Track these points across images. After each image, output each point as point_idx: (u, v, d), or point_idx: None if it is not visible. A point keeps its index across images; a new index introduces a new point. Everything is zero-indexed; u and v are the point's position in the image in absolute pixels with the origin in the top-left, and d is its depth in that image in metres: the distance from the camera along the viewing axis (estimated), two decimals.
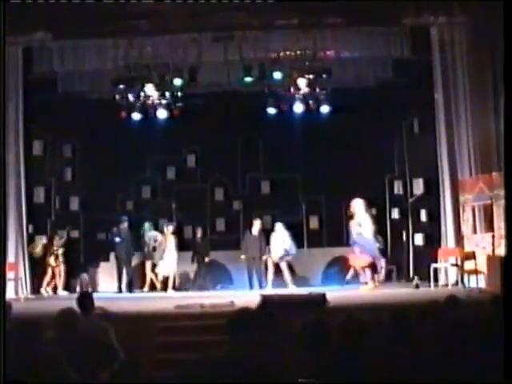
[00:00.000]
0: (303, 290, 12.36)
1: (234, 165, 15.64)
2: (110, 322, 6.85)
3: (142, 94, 14.78)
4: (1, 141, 9.73)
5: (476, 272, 12.80)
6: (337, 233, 14.94)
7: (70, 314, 6.13)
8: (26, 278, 14.51)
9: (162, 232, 14.85)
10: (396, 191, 15.37)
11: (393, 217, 15.30)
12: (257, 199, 15.56)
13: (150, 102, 14.93)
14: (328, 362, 4.38)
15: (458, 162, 14.05)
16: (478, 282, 12.72)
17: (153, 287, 14.82)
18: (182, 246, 14.96)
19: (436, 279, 13.42)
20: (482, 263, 12.64)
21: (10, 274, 13.45)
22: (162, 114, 14.92)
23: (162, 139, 15.22)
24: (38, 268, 14.85)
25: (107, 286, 15.17)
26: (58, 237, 14.95)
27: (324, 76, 14.32)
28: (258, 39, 14.30)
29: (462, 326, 4.96)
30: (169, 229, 14.66)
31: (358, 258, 13.55)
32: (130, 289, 14.94)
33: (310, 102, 14.75)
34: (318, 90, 14.63)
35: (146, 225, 15.11)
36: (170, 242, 14.57)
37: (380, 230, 14.27)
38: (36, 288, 14.72)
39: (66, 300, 9.98)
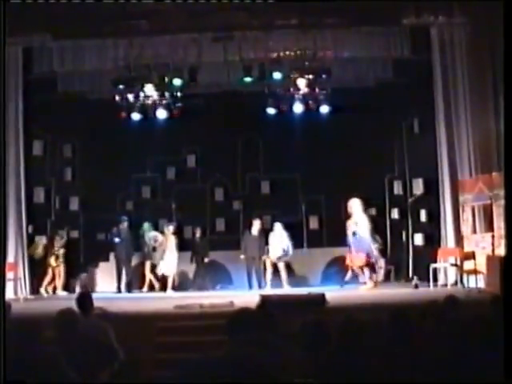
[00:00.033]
0: (303, 290, 12.36)
1: (233, 165, 15.64)
2: (110, 322, 6.83)
3: (142, 94, 14.78)
4: (1, 141, 9.74)
5: (475, 272, 12.80)
6: (336, 233, 14.86)
7: (69, 314, 6.13)
8: (25, 279, 14.51)
9: (162, 232, 14.86)
10: (396, 191, 15.36)
11: (392, 217, 15.29)
12: (257, 199, 15.55)
13: (149, 102, 14.93)
14: (327, 362, 4.38)
15: (458, 162, 14.05)
16: (477, 282, 12.72)
17: (152, 287, 14.83)
18: (181, 246, 14.94)
19: (435, 279, 13.41)
20: (481, 263, 12.64)
21: (9, 275, 13.46)
22: (161, 114, 14.91)
23: (161, 139, 15.21)
24: (37, 268, 14.84)
25: (107, 286, 15.16)
26: (59, 237, 14.95)
27: (324, 76, 14.32)
28: (258, 39, 14.30)
29: (461, 326, 4.96)
30: (169, 229, 14.67)
31: (355, 258, 13.58)
32: (130, 289, 14.94)
33: (310, 102, 14.74)
34: (317, 90, 14.63)
35: (146, 225, 15.10)
36: (171, 242, 14.57)
37: (380, 230, 14.29)
38: (35, 288, 14.71)
39: (66, 300, 9.99)
